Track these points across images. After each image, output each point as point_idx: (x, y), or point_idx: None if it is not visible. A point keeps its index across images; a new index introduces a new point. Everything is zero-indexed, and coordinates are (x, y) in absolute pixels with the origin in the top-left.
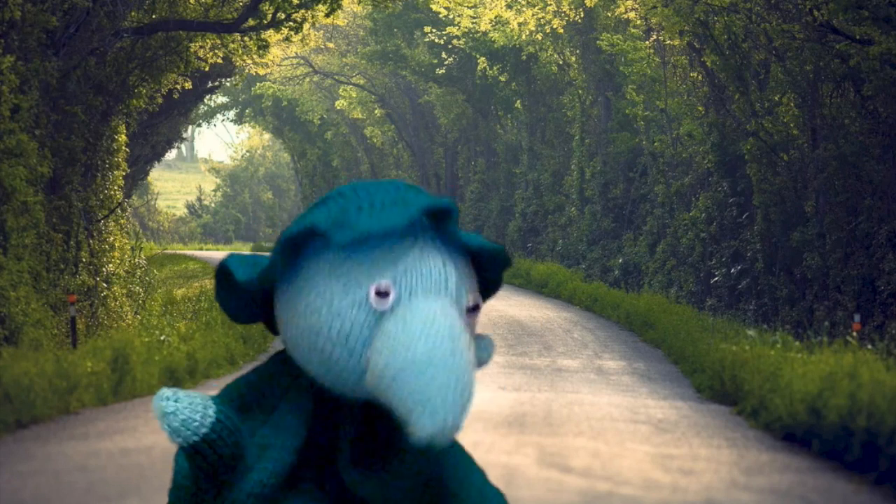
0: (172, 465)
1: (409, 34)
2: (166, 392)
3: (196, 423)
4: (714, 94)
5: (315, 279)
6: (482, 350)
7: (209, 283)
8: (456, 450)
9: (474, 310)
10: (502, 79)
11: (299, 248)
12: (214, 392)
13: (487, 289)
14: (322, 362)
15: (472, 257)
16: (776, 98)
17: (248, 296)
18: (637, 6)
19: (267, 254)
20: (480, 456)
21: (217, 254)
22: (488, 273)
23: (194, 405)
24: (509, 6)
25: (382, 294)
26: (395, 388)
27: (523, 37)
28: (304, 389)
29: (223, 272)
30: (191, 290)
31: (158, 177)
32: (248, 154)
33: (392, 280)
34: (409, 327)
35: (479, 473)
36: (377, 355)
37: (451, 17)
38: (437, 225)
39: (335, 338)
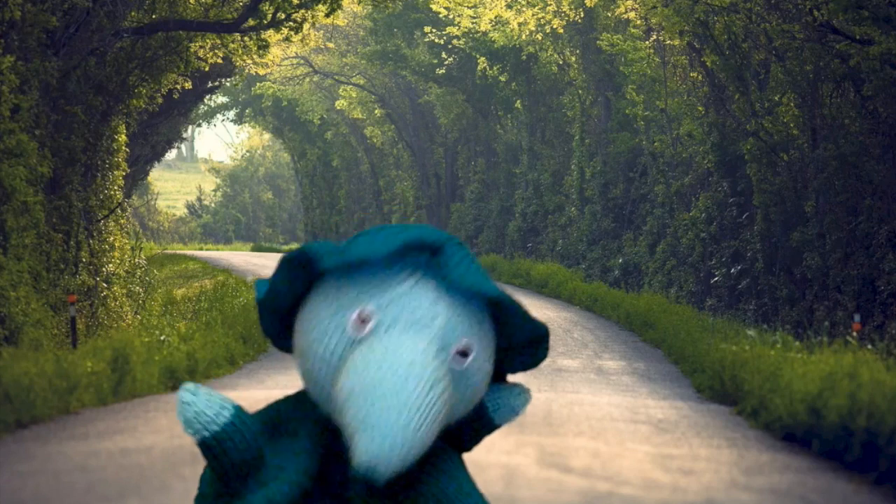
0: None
1: (409, 34)
2: (189, 385)
3: (208, 419)
4: (714, 94)
5: (313, 302)
6: (513, 397)
7: (209, 284)
8: (461, 479)
9: (464, 354)
10: (502, 79)
11: (303, 272)
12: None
13: (519, 354)
14: (313, 383)
15: (496, 312)
16: (776, 98)
17: (282, 323)
18: (637, 6)
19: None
20: (480, 456)
21: (217, 254)
22: (513, 334)
23: (211, 402)
24: (509, 6)
25: (364, 321)
26: (345, 409)
27: (523, 37)
28: (322, 419)
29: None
30: (191, 290)
31: (158, 177)
32: (248, 154)
33: (375, 308)
34: (371, 353)
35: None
36: (340, 377)
37: (451, 17)
38: (433, 260)
39: (319, 357)
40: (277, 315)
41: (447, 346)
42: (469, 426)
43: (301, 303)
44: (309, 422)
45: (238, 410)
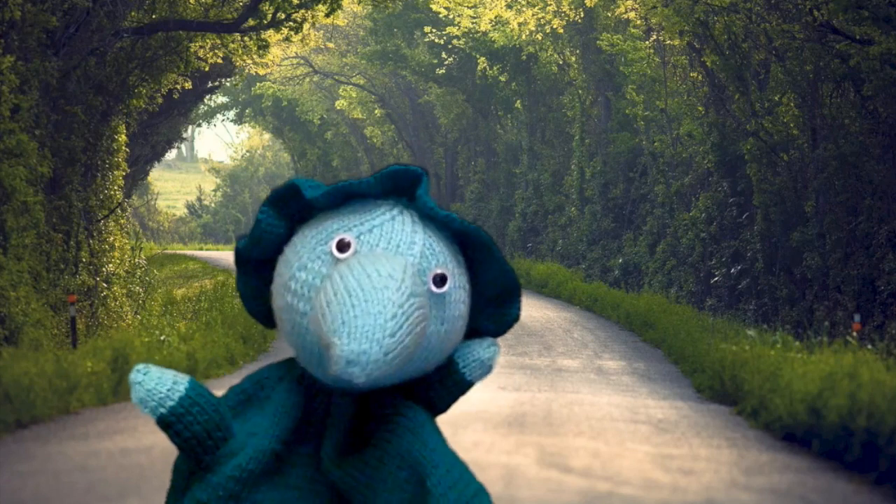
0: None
1: (409, 34)
2: (140, 366)
3: (161, 395)
4: (714, 94)
5: (294, 240)
6: (482, 350)
7: (209, 284)
8: (426, 436)
9: (442, 282)
10: (502, 79)
11: (287, 210)
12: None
13: (494, 307)
14: (292, 324)
15: (469, 256)
16: (776, 98)
17: (259, 281)
18: (637, 6)
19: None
20: (480, 456)
21: (217, 254)
22: (485, 281)
23: (163, 379)
24: (509, 6)
25: (342, 249)
26: (325, 317)
27: (523, 37)
28: (296, 380)
29: (236, 254)
30: (191, 290)
31: (158, 177)
32: (248, 154)
33: (356, 237)
34: (350, 268)
35: (452, 461)
36: (319, 294)
37: (451, 17)
38: (409, 194)
39: (299, 291)
40: (254, 268)
41: (425, 270)
42: (441, 383)
43: (282, 250)
44: (283, 383)
45: (193, 383)
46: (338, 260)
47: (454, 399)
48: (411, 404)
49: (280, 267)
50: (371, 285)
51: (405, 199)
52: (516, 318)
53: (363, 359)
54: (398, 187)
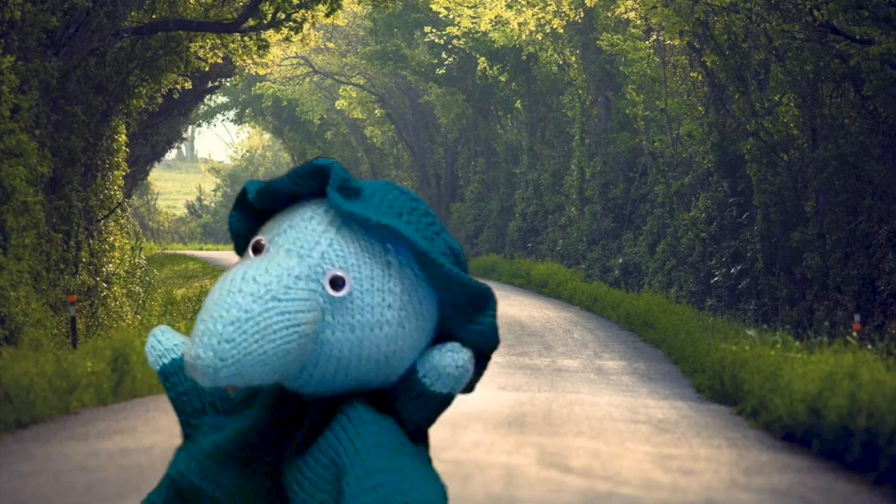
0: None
1: (409, 34)
2: (162, 326)
3: (168, 348)
4: (714, 94)
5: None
6: (441, 356)
7: (209, 284)
8: (362, 439)
9: (338, 285)
10: (502, 79)
11: (248, 210)
12: None
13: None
14: None
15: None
16: (776, 98)
17: None
18: (637, 6)
19: None
20: (480, 456)
21: (217, 254)
22: (443, 288)
23: (174, 336)
24: (509, 6)
25: (256, 250)
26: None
27: (523, 37)
28: None
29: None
30: (191, 290)
31: (158, 177)
32: (248, 154)
33: (270, 238)
34: (235, 268)
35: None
36: None
37: (451, 17)
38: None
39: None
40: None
41: (320, 274)
42: (405, 395)
43: None
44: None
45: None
46: None
47: (426, 413)
48: (358, 405)
49: None
50: (225, 289)
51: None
52: (489, 326)
53: (199, 363)
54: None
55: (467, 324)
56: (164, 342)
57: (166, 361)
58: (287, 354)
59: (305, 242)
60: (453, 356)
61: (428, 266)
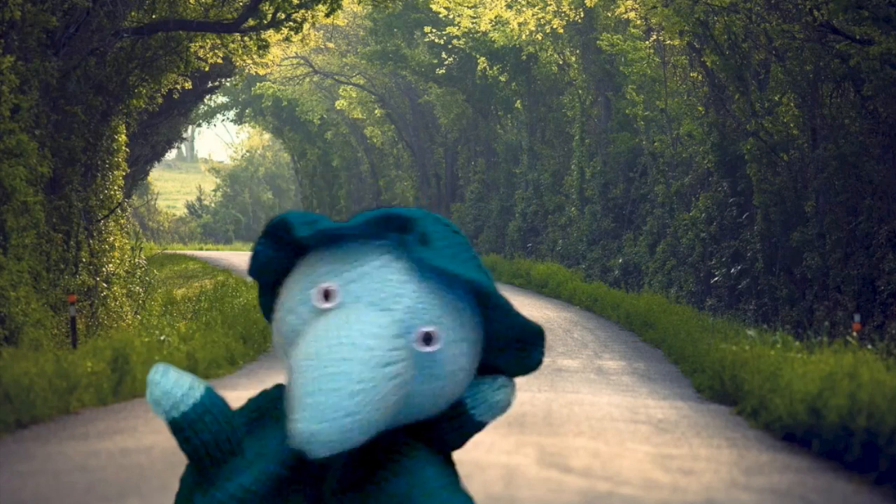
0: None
1: (409, 34)
2: (160, 365)
3: (176, 399)
4: (714, 94)
5: (291, 277)
6: (491, 392)
7: (209, 284)
8: (427, 478)
9: (430, 340)
10: (502, 79)
11: (283, 243)
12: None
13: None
14: (284, 361)
15: (481, 300)
16: (776, 98)
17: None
18: (637, 6)
19: None
20: (480, 456)
21: (217, 254)
22: (498, 328)
23: (180, 382)
24: (509, 6)
25: (326, 297)
26: (294, 381)
27: (523, 37)
28: None
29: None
30: (191, 290)
31: (158, 177)
32: (248, 154)
33: (339, 285)
34: (325, 325)
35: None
36: (299, 347)
37: (451, 17)
38: (408, 240)
39: (286, 333)
40: (268, 290)
41: (409, 330)
42: (449, 423)
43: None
44: None
45: (209, 391)
46: (321, 309)
47: (466, 438)
48: (416, 444)
49: (278, 300)
50: (335, 355)
51: (402, 237)
52: (538, 362)
53: (317, 438)
54: (392, 227)
55: (515, 358)
56: (173, 391)
57: (177, 415)
58: (394, 415)
59: (386, 296)
60: (504, 392)
61: (491, 307)
